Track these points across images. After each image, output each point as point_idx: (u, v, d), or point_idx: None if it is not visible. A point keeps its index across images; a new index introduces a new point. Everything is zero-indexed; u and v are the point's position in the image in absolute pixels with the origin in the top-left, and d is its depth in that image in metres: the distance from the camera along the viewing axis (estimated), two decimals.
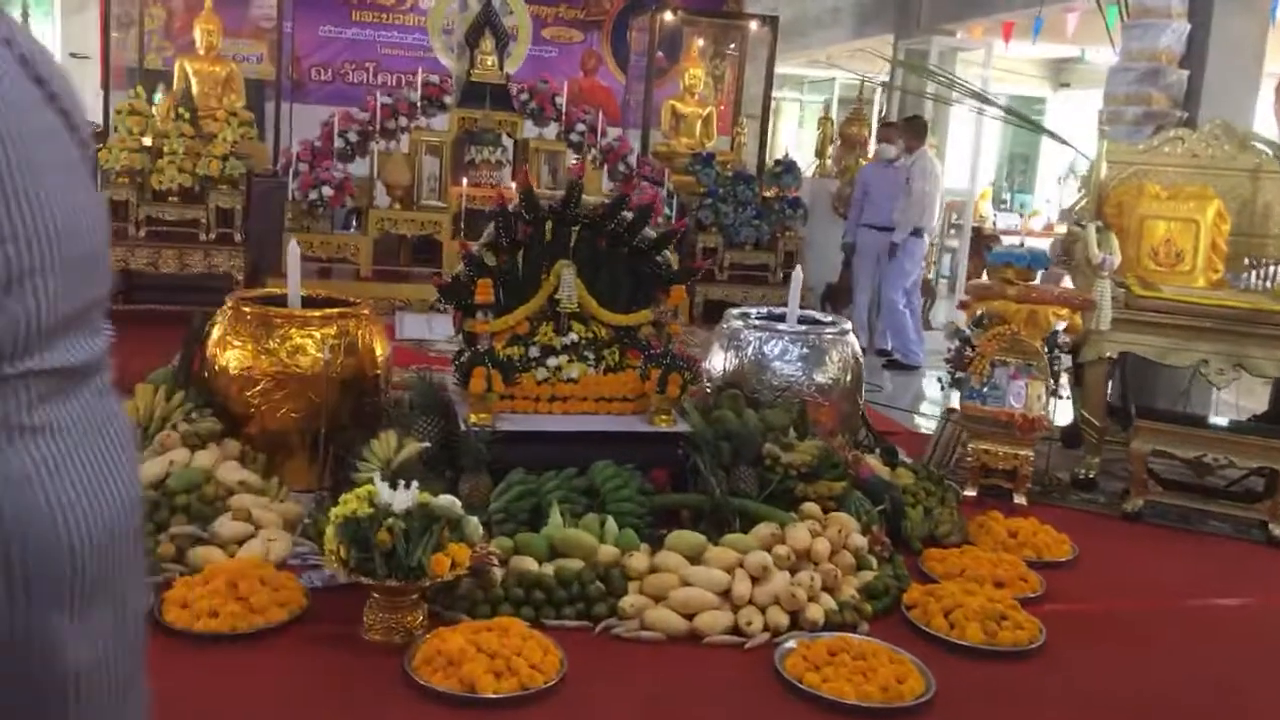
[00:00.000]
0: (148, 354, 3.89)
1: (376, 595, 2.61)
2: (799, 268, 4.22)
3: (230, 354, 3.44)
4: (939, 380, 5.08)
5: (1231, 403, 5.26)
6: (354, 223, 7.47)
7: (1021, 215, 12.43)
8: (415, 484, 2.69)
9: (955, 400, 5.44)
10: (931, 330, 7.79)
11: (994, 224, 11.95)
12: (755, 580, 2.89)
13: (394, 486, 2.67)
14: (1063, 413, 4.78)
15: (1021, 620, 2.91)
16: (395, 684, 2.42)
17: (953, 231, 10.40)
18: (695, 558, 2.97)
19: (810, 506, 3.34)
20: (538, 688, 2.39)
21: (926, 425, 5.67)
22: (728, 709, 2.47)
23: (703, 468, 3.30)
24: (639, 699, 2.47)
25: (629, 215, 3.66)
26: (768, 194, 7.95)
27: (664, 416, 3.48)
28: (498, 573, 2.82)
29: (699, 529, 3.16)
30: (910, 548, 3.51)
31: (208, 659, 2.48)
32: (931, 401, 6.32)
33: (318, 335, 3.45)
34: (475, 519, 2.76)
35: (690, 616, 2.79)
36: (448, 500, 2.71)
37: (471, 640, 2.47)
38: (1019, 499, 4.09)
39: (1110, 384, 4.82)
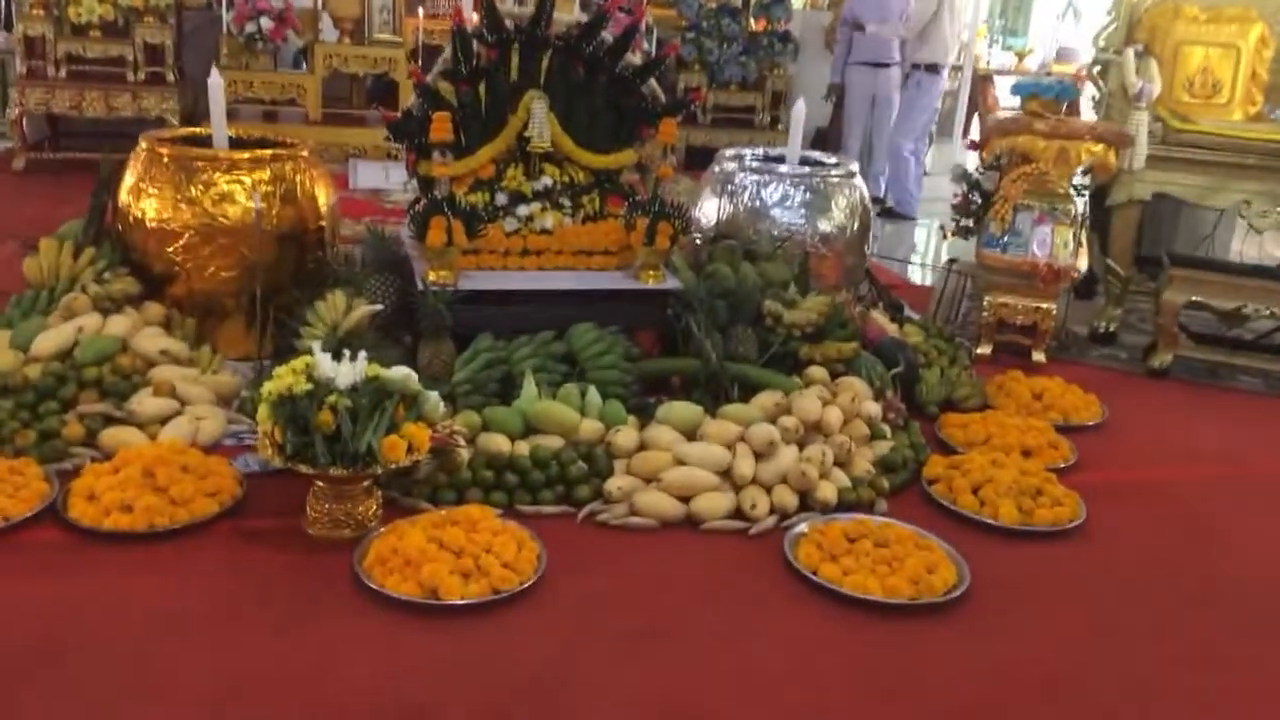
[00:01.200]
0: (75, 205, 3.41)
1: (321, 484, 2.23)
2: (800, 101, 3.73)
3: (146, 204, 2.95)
4: (941, 229, 4.67)
5: (1252, 254, 4.88)
6: (304, 64, 6.82)
7: (1019, 56, 11.77)
8: (363, 354, 2.28)
9: (958, 251, 5.05)
10: (927, 176, 7.31)
11: (988, 63, 11.33)
12: (759, 457, 2.53)
13: (337, 357, 2.25)
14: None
15: (1059, 495, 2.58)
16: (343, 588, 2.06)
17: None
18: (690, 432, 2.60)
19: (816, 371, 2.96)
20: (511, 590, 2.04)
21: (921, 279, 5.28)
22: (732, 607, 2.14)
23: (695, 329, 2.89)
24: (628, 597, 2.13)
25: (609, 38, 3.14)
26: (755, 28, 7.31)
27: (651, 272, 3.05)
28: (464, 454, 2.44)
29: (693, 399, 2.78)
30: (925, 414, 3.15)
31: (120, 562, 2.10)
32: (919, 252, 5.91)
33: (247, 181, 2.96)
34: (435, 394, 2.36)
35: (686, 500, 2.43)
36: (402, 373, 2.30)
37: (433, 536, 2.10)
38: (1038, 356, 3.73)
39: None
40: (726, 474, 2.49)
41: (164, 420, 2.54)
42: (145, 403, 2.54)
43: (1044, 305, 3.68)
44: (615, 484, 2.44)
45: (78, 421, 2.46)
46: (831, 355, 3.04)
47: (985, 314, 3.75)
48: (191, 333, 2.92)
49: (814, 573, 2.20)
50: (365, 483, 2.25)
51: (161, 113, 5.57)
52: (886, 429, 2.86)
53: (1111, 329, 4.14)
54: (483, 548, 2.09)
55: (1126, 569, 2.41)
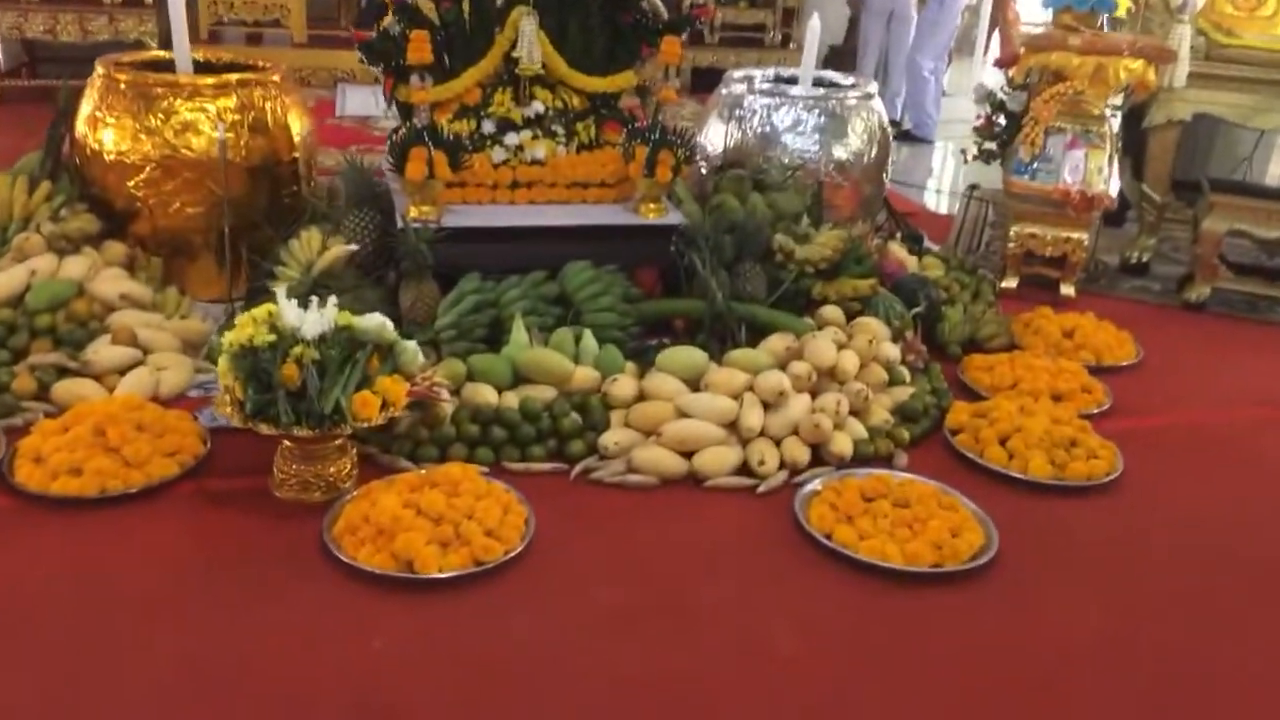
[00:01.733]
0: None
1: (288, 443, 2.04)
2: (815, 18, 3.45)
3: (104, 135, 2.72)
4: (962, 153, 4.41)
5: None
6: None
7: None
8: (333, 301, 2.08)
9: (978, 176, 4.78)
10: (946, 97, 6.97)
11: None
12: (768, 407, 2.33)
13: (305, 304, 2.05)
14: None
15: (1094, 445, 2.38)
16: (311, 558, 1.89)
17: None
18: (694, 380, 2.39)
19: (831, 311, 2.74)
20: (494, 561, 1.86)
21: (937, 205, 5.02)
22: (737, 576, 1.95)
23: (700, 267, 2.67)
24: (624, 565, 1.95)
25: None
26: None
27: (652, 205, 2.82)
28: (447, 407, 2.25)
29: (697, 343, 2.57)
30: (947, 355, 2.94)
31: (69, 529, 1.92)
32: (935, 177, 5.63)
33: (212, 109, 2.73)
34: (413, 344, 2.15)
35: (689, 455, 2.24)
36: (376, 321, 2.09)
37: (409, 501, 1.92)
38: (1066, 290, 3.51)
39: None
40: (732, 426, 2.29)
41: (123, 371, 2.35)
42: (102, 352, 2.34)
43: (1075, 235, 3.44)
44: (611, 438, 2.25)
45: (28, 374, 2.27)
46: (847, 293, 2.82)
47: (1011, 245, 3.51)
48: (157, 274, 2.71)
49: (828, 536, 2.02)
50: (337, 442, 2.06)
51: (140, 35, 5.29)
52: (906, 373, 2.65)
53: (1144, 259, 3.90)
54: (464, 513, 1.90)
55: (1167, 526, 2.21)
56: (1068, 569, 2.04)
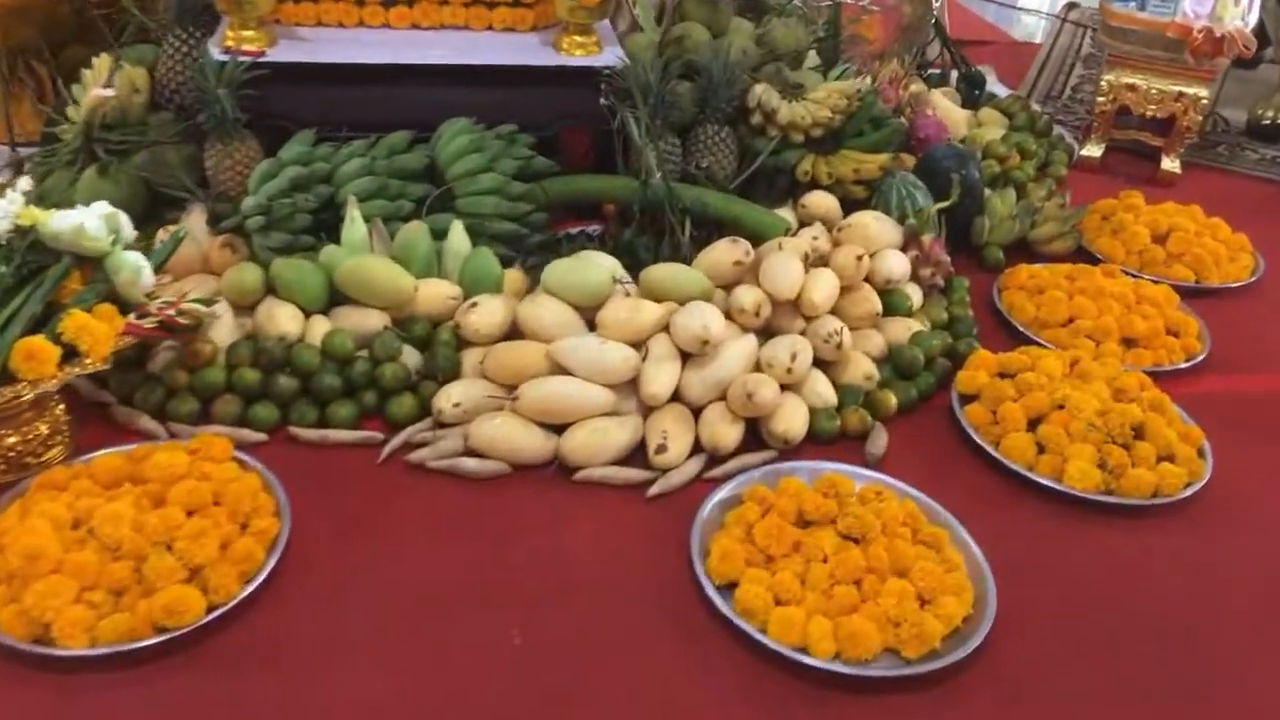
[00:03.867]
0: None
1: None
2: None
3: None
4: None
5: None
6: None
7: None
8: (22, 184, 1.38)
9: None
10: None
11: None
12: (689, 358, 1.60)
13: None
14: None
15: (1171, 438, 1.60)
16: None
17: None
18: (592, 309, 1.66)
19: (819, 200, 1.96)
20: (189, 626, 1.21)
21: (1027, 32, 4.01)
22: (594, 649, 1.28)
23: (634, 131, 1.88)
24: (400, 632, 1.29)
25: None
26: None
27: (578, 39, 1.99)
28: (212, 342, 1.57)
29: (621, 244, 1.83)
30: (985, 264, 2.15)
31: None
32: None
33: None
34: (136, 257, 1.45)
35: (560, 430, 1.54)
36: (71, 222, 1.39)
37: (68, 518, 1.25)
38: (1169, 165, 2.62)
39: None
40: (632, 387, 1.57)
41: None
42: None
43: (1191, 91, 2.52)
44: (449, 397, 1.55)
45: None
46: (846, 174, 2.02)
47: (1102, 99, 2.61)
48: None
49: (724, 590, 1.32)
50: (27, 396, 1.40)
51: None
52: (913, 295, 1.87)
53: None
54: (165, 536, 1.25)
55: (1261, 586, 1.47)
56: (1097, 662, 1.32)
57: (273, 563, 1.29)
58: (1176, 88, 2.52)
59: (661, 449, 1.50)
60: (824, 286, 1.69)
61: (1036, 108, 2.70)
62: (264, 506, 1.34)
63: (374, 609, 1.28)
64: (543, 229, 1.91)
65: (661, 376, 1.55)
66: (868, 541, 1.36)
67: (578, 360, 1.55)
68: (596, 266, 1.69)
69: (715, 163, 2.00)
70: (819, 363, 1.67)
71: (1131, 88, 2.56)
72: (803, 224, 1.96)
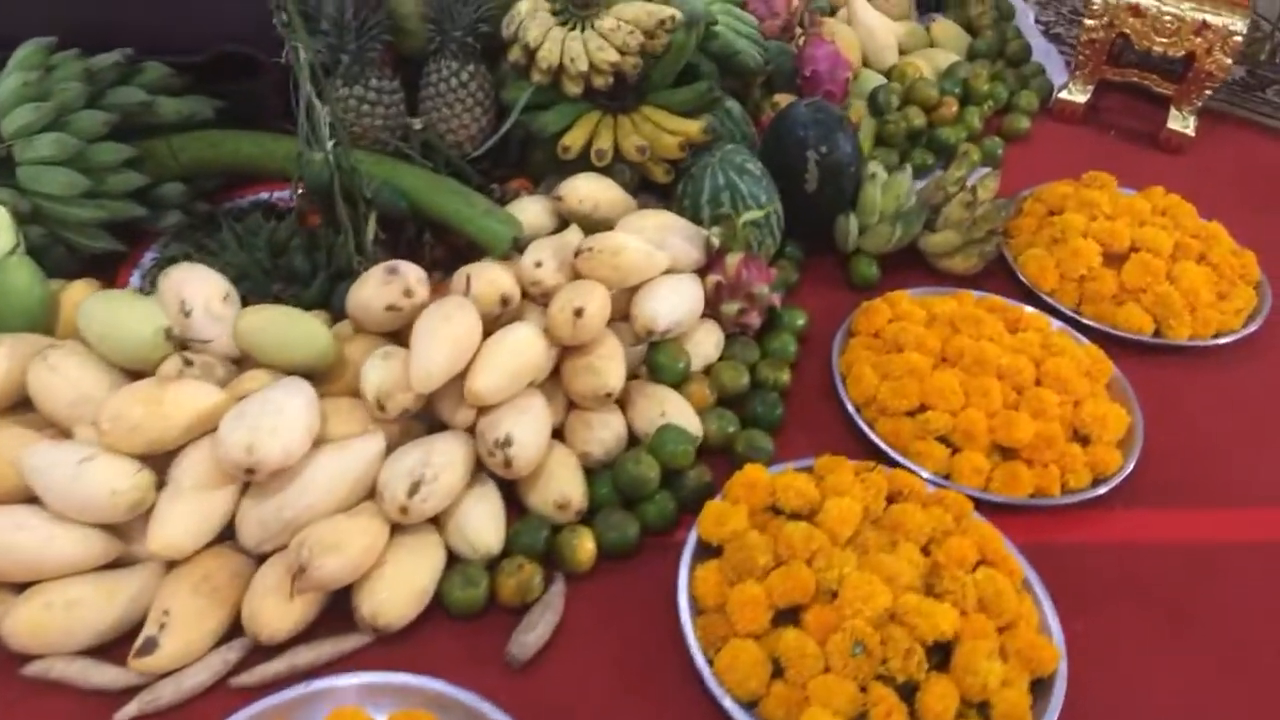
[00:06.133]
0: None
1: None
2: None
3: None
4: None
5: None
6: None
7: None
8: None
9: None
10: None
11: None
12: (247, 487, 1.02)
13: None
14: None
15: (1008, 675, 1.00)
16: None
17: None
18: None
19: (584, 190, 1.34)
20: None
21: None
22: None
23: (301, 71, 1.24)
24: None
25: None
26: None
27: None
28: None
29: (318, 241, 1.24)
30: (852, 280, 1.50)
31: None
32: None
33: None
34: None
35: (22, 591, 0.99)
36: None
37: None
38: (1179, 123, 1.89)
39: None
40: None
41: None
42: None
43: (1220, 20, 1.76)
44: None
45: None
46: (629, 149, 1.37)
47: (1093, 22, 1.87)
48: None
49: None
50: None
51: None
52: (706, 345, 1.26)
53: None
54: None
55: None
56: None
57: None
58: (1201, 15, 1.77)
59: (149, 645, 0.95)
60: (501, 364, 1.08)
61: (1028, 15, 1.96)
62: None
63: None
64: (185, 204, 1.32)
65: (177, 519, 0.98)
66: None
67: (45, 485, 0.98)
68: (140, 310, 1.09)
69: (444, 121, 1.36)
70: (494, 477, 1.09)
71: (1135, 9, 1.80)
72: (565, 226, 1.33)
